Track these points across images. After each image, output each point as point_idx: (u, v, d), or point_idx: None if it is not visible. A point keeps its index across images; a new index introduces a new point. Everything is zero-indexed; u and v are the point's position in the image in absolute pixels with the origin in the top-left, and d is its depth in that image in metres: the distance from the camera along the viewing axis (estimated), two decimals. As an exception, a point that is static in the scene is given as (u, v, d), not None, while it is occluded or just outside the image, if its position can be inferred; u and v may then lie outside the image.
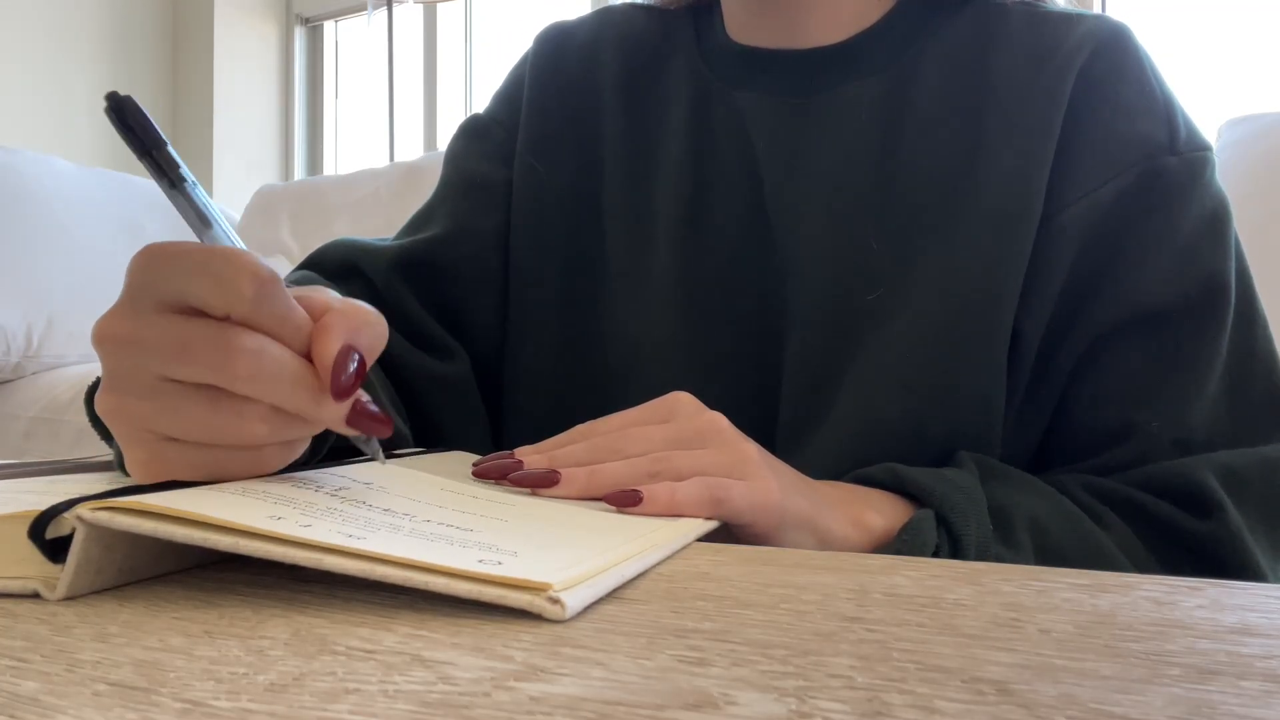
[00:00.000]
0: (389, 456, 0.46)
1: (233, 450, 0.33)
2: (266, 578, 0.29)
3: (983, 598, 0.27)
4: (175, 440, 0.33)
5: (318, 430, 0.35)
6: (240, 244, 0.38)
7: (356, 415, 0.34)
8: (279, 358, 0.32)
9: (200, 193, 0.38)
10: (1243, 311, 0.52)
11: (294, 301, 0.34)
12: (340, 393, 0.33)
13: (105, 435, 0.45)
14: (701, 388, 0.47)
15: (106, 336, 0.33)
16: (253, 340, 0.32)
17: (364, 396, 0.35)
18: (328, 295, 0.36)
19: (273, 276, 0.33)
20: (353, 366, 0.33)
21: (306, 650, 0.22)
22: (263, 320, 0.32)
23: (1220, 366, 0.52)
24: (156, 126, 0.37)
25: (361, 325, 0.35)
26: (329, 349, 0.33)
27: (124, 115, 0.37)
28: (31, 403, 1.93)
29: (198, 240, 0.38)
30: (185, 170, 0.38)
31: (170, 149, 0.37)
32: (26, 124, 2.77)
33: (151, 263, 0.33)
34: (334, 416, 0.34)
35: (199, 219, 0.39)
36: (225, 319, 0.32)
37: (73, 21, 2.91)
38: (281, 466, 0.35)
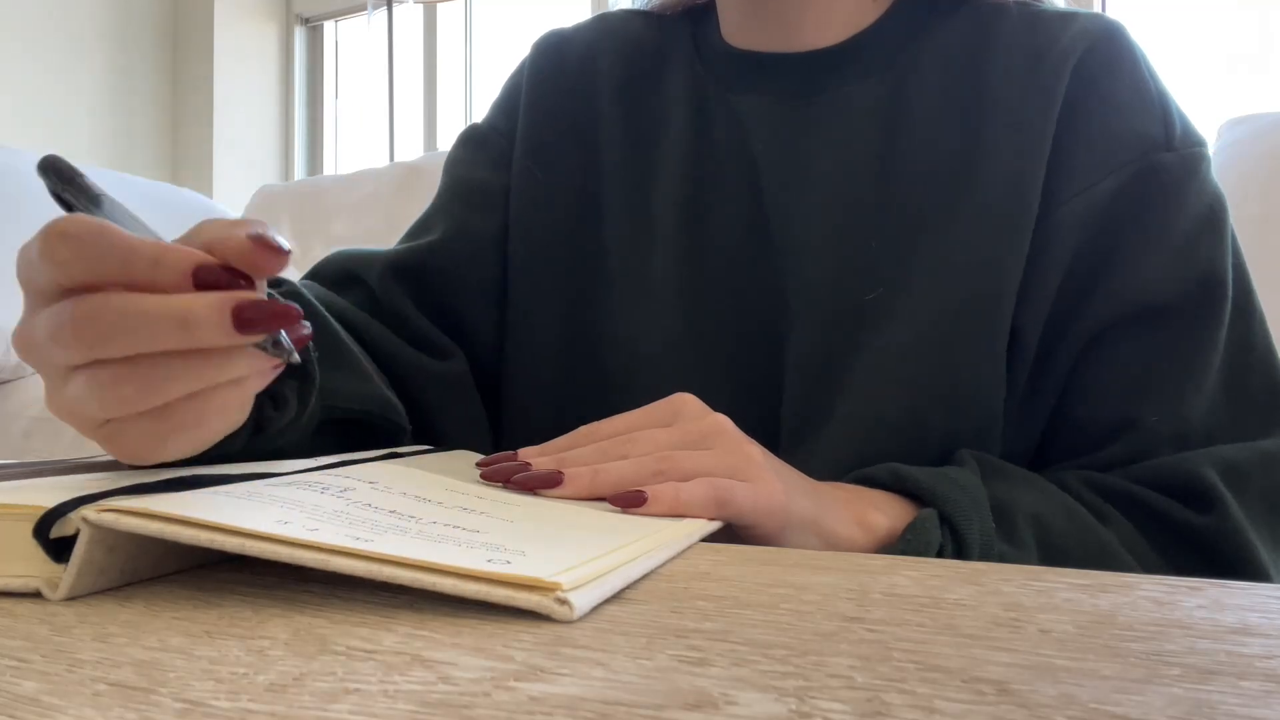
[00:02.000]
0: (395, 456, 0.46)
1: (170, 411, 0.32)
2: (267, 578, 0.29)
3: (983, 598, 0.27)
4: (111, 420, 0.33)
5: (233, 368, 0.32)
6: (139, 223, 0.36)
7: (244, 322, 0.31)
8: (121, 307, 0.30)
9: (105, 198, 0.37)
10: (1240, 306, 0.53)
11: (133, 240, 0.31)
12: (280, 252, 0.32)
13: None
14: (703, 389, 0.47)
15: (16, 342, 0.33)
16: (86, 304, 0.31)
17: (248, 297, 0.32)
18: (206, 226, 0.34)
19: (87, 225, 0.31)
20: (270, 243, 0.32)
21: (306, 650, 0.22)
22: (105, 272, 0.31)
23: (1218, 361, 0.52)
24: (72, 169, 0.36)
25: (244, 222, 0.33)
26: (238, 238, 0.31)
27: (54, 179, 0.35)
28: (31, 403, 1.93)
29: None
30: (96, 189, 0.36)
31: (83, 179, 0.36)
32: (26, 124, 2.77)
33: (19, 262, 0.33)
34: (215, 333, 0.31)
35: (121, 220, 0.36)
36: (83, 288, 0.31)
37: (73, 21, 2.91)
38: (241, 410, 0.34)
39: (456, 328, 0.63)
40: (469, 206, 0.66)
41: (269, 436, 0.43)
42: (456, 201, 0.66)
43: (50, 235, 0.32)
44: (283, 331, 0.33)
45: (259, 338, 0.32)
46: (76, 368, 0.32)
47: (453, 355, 0.62)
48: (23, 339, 0.33)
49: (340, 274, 0.62)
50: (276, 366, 0.34)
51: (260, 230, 0.32)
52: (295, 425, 0.44)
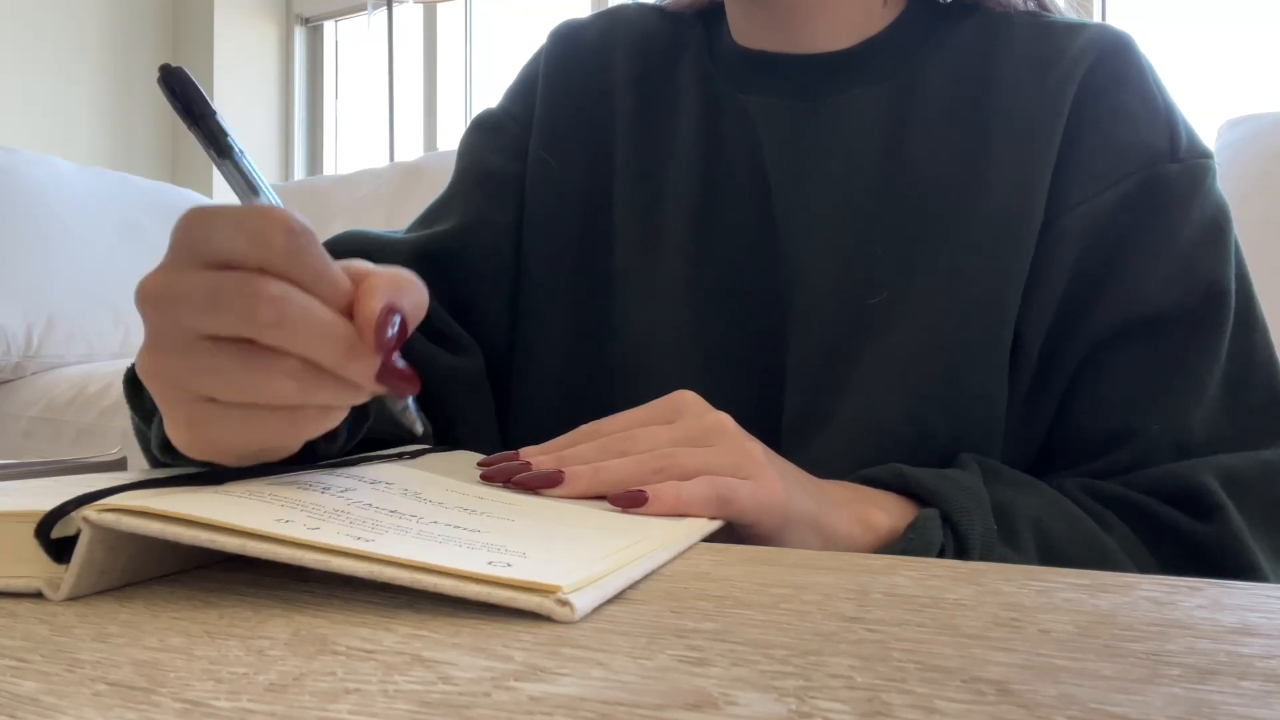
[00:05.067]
0: (396, 456, 0.46)
1: (268, 411, 0.33)
2: (267, 578, 0.29)
3: (983, 598, 0.27)
4: (212, 400, 0.33)
5: (352, 398, 0.34)
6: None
7: (385, 371, 0.33)
8: (306, 305, 0.32)
9: (247, 161, 0.38)
10: (1242, 317, 0.53)
11: (330, 260, 0.33)
12: (382, 348, 0.32)
13: (140, 412, 0.45)
14: (707, 388, 0.47)
15: (146, 294, 0.32)
16: (278, 287, 0.31)
17: (395, 355, 0.34)
18: (367, 264, 0.35)
19: (306, 229, 0.32)
20: (394, 325, 0.33)
21: (306, 650, 0.22)
22: (295, 272, 0.32)
23: (1219, 371, 0.52)
24: (206, 96, 0.37)
25: (405, 288, 0.34)
26: (371, 307, 0.33)
27: (173, 85, 0.37)
28: (31, 403, 1.93)
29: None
30: (233, 139, 0.38)
31: (219, 118, 0.37)
32: (26, 124, 2.77)
33: (191, 222, 0.32)
34: (363, 372, 0.33)
35: (247, 186, 0.38)
36: (259, 273, 0.32)
37: (73, 22, 2.91)
38: (317, 433, 0.35)
39: (471, 319, 0.63)
40: (486, 195, 0.65)
41: (312, 461, 0.43)
42: (473, 189, 0.66)
43: (279, 224, 0.32)
44: (412, 400, 0.35)
45: (384, 390, 0.34)
46: (214, 338, 0.32)
47: (468, 349, 0.62)
48: (154, 290, 0.32)
49: (357, 257, 0.62)
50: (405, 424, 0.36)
51: (389, 320, 0.33)
52: (340, 452, 0.45)
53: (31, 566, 0.27)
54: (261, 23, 3.27)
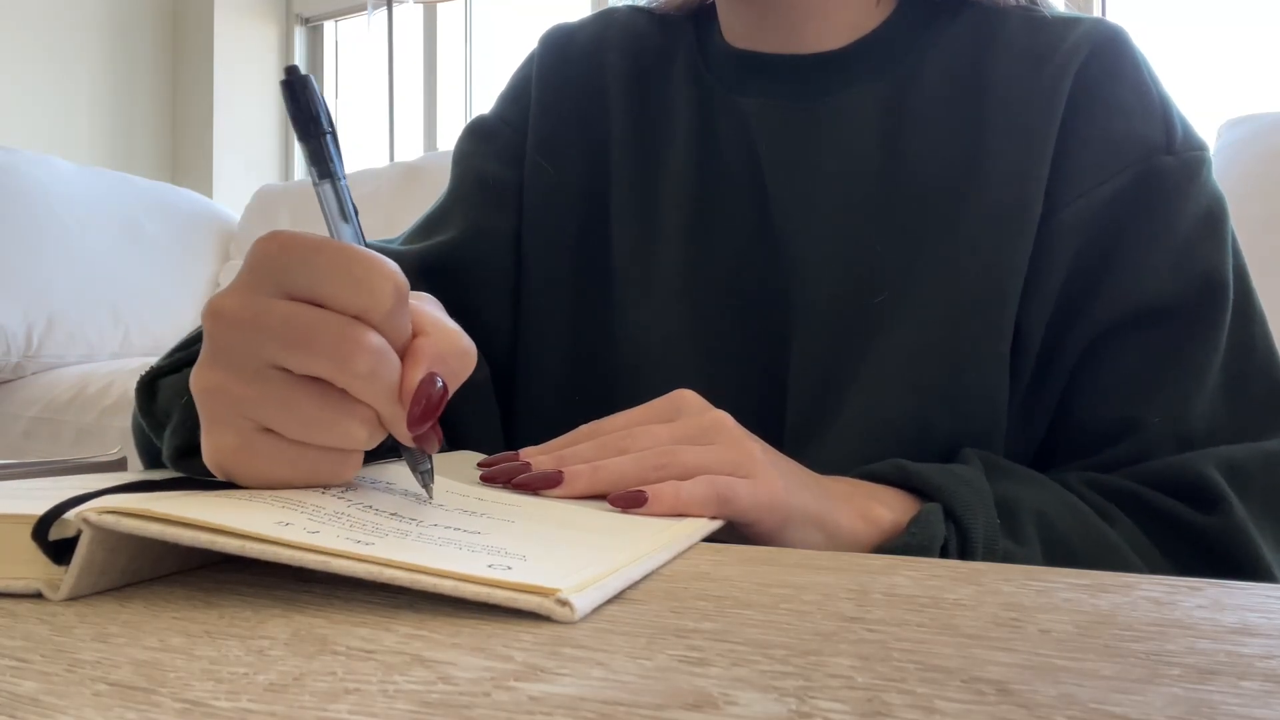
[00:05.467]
0: (398, 458, 0.46)
1: (324, 452, 0.33)
2: (267, 578, 0.29)
3: (983, 598, 0.27)
4: (269, 432, 0.33)
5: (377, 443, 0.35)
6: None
7: (420, 429, 0.34)
8: (395, 364, 0.32)
9: (346, 189, 0.37)
10: (1240, 308, 0.53)
11: (409, 316, 0.34)
12: (413, 421, 0.33)
13: (150, 420, 0.44)
14: (709, 388, 0.47)
15: (223, 313, 0.32)
16: (378, 339, 0.32)
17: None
18: (426, 315, 0.35)
19: (406, 288, 0.33)
20: (434, 394, 0.33)
21: (306, 650, 0.22)
22: (387, 330, 0.32)
23: (1219, 362, 0.52)
24: (326, 114, 0.36)
25: (449, 353, 0.34)
26: (413, 375, 0.33)
27: (296, 92, 0.35)
28: (31, 403, 1.93)
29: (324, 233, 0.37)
30: (339, 167, 0.37)
31: (332, 138, 0.36)
32: (26, 124, 2.77)
33: (283, 250, 0.32)
34: (408, 429, 0.33)
35: (339, 214, 0.37)
36: (355, 317, 0.32)
37: (73, 21, 2.91)
38: (350, 476, 0.35)
39: (475, 327, 0.63)
40: (486, 202, 0.65)
41: None
42: (472, 197, 0.66)
43: (389, 282, 0.32)
44: (431, 457, 0.36)
45: (410, 444, 0.35)
46: (286, 372, 0.32)
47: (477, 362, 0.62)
48: (232, 311, 0.32)
49: None
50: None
51: (429, 394, 0.33)
52: None
53: (31, 568, 0.27)
54: (261, 23, 3.27)
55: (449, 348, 0.34)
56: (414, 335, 0.34)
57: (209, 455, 0.34)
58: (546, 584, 0.24)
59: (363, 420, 0.32)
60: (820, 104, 0.59)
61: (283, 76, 0.36)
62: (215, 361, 0.33)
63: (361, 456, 0.35)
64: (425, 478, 0.36)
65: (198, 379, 0.33)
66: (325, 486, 0.34)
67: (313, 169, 0.37)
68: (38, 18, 2.83)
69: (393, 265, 0.33)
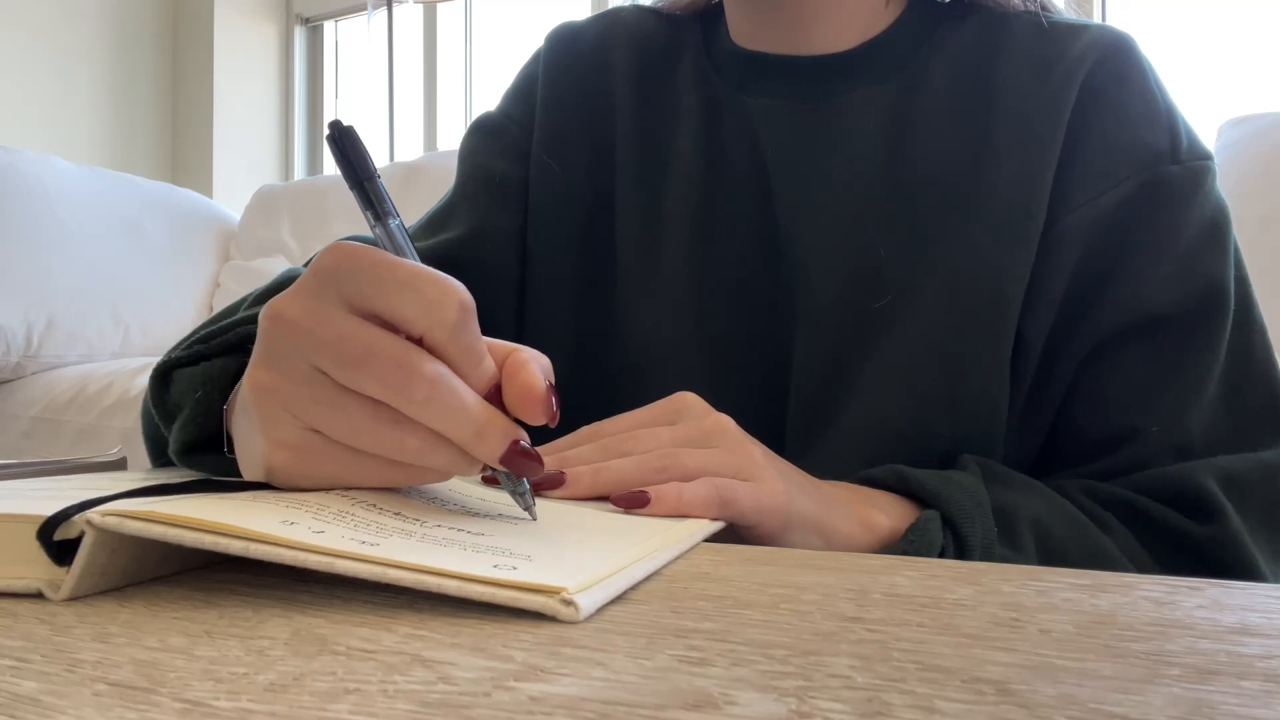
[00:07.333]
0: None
1: (376, 459, 0.33)
2: (267, 578, 0.29)
3: (983, 598, 0.27)
4: (320, 434, 0.32)
5: (464, 470, 0.34)
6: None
7: (512, 453, 0.33)
8: (456, 389, 0.32)
9: (401, 228, 0.37)
10: (1240, 319, 0.53)
11: (481, 335, 0.33)
12: (553, 417, 0.33)
13: (160, 410, 0.44)
14: (712, 390, 0.47)
15: (283, 317, 0.32)
16: (436, 367, 0.31)
17: (524, 437, 0.34)
18: (510, 344, 0.35)
19: (473, 307, 0.32)
20: (555, 400, 0.33)
21: (306, 650, 0.22)
22: (454, 352, 0.32)
23: (1219, 372, 0.52)
24: (370, 159, 0.37)
25: (548, 366, 0.34)
26: (536, 379, 0.33)
27: (343, 145, 0.36)
28: (31, 403, 1.93)
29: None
30: (391, 205, 0.37)
31: (379, 182, 0.37)
32: (26, 124, 2.77)
33: (349, 262, 0.32)
34: (490, 453, 0.33)
35: (395, 253, 0.37)
36: (414, 339, 0.32)
37: (73, 21, 2.91)
38: (417, 484, 0.35)
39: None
40: (492, 200, 0.65)
41: None
42: (478, 194, 0.66)
43: (456, 298, 0.32)
44: (526, 481, 0.35)
45: (503, 469, 0.33)
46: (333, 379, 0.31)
47: None
48: (293, 317, 0.32)
49: None
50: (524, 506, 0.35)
51: (544, 393, 0.33)
52: None
53: (32, 568, 0.27)
54: (261, 23, 3.27)
55: (545, 360, 0.34)
56: (507, 354, 0.34)
57: (270, 451, 0.33)
58: (552, 583, 0.24)
59: (416, 435, 0.32)
60: (826, 106, 0.59)
61: (327, 132, 0.37)
62: (269, 362, 0.33)
63: (419, 474, 0.34)
64: (524, 497, 0.35)
65: (254, 379, 0.33)
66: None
67: (368, 213, 0.37)
68: (38, 18, 2.83)
69: (457, 283, 0.32)
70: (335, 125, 0.36)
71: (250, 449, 0.35)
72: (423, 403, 0.31)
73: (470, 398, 0.32)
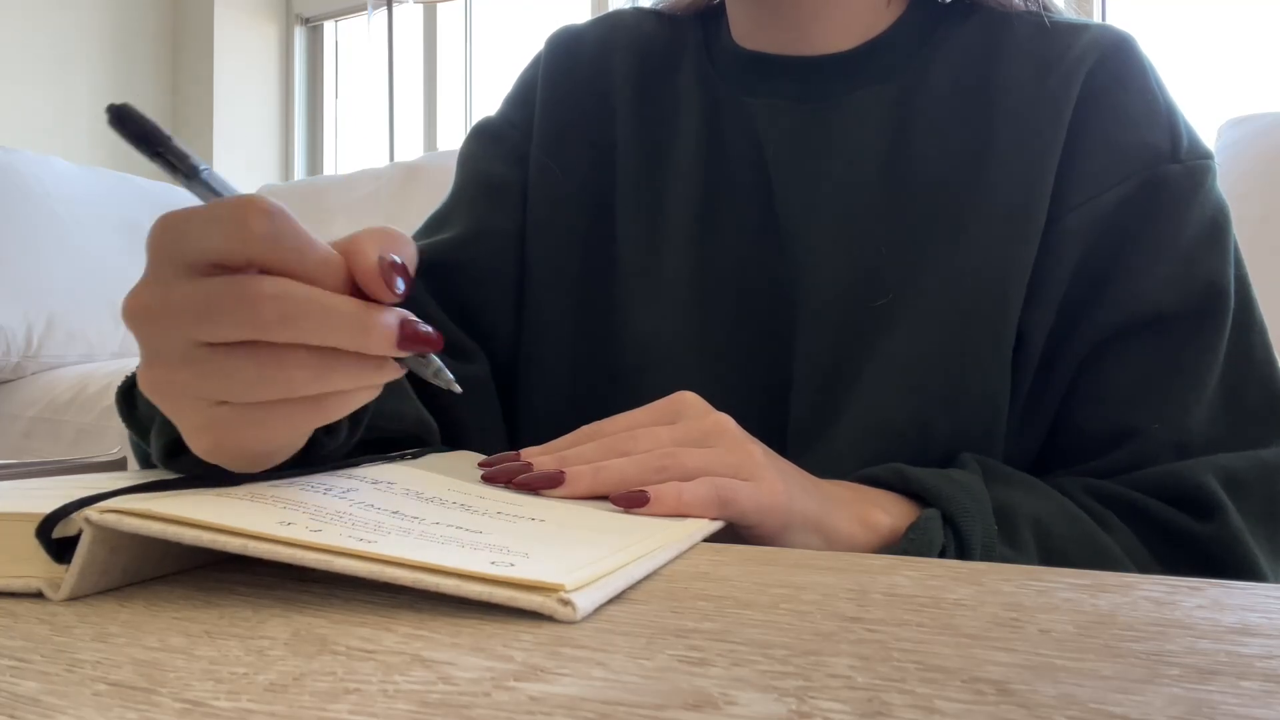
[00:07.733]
0: (399, 457, 0.46)
1: (288, 404, 0.32)
2: (267, 578, 0.29)
3: (983, 598, 0.27)
4: (225, 404, 0.32)
5: (377, 375, 0.33)
6: None
7: (406, 334, 0.32)
8: (307, 295, 0.31)
9: (215, 176, 0.37)
10: (1240, 318, 0.53)
11: (312, 236, 0.32)
12: (394, 292, 0.32)
13: (135, 426, 0.44)
14: (713, 389, 0.47)
15: (135, 311, 0.32)
16: (274, 284, 0.30)
17: (410, 316, 0.33)
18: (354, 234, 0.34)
19: (280, 209, 0.31)
20: (397, 272, 0.32)
21: (306, 650, 0.22)
22: (283, 257, 0.31)
23: (1219, 371, 0.52)
24: (157, 125, 0.36)
25: (394, 240, 0.33)
26: (369, 258, 0.32)
27: (125, 123, 0.36)
28: (31, 403, 1.93)
29: None
30: (195, 159, 0.37)
31: (175, 142, 0.36)
32: (26, 124, 2.77)
33: (166, 229, 0.32)
34: (383, 344, 0.32)
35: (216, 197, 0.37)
36: (246, 268, 0.31)
37: (73, 21, 2.91)
38: (345, 413, 0.34)
39: (476, 326, 0.63)
40: (489, 202, 0.65)
41: (314, 460, 0.42)
42: (475, 197, 0.66)
43: (252, 209, 0.30)
44: (435, 356, 0.34)
45: (407, 354, 0.33)
46: (212, 345, 0.31)
47: (475, 357, 0.62)
48: (142, 307, 0.31)
49: None
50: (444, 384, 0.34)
51: (392, 262, 0.32)
52: (340, 449, 0.44)
53: (32, 567, 0.27)
54: (261, 23, 3.27)
55: (389, 234, 0.33)
56: (347, 243, 0.33)
57: (192, 443, 0.34)
58: (550, 580, 0.24)
59: (298, 363, 0.31)
60: (827, 106, 0.59)
61: (108, 118, 0.35)
62: (149, 358, 0.33)
63: (344, 397, 0.33)
64: (441, 375, 0.34)
65: (143, 381, 0.33)
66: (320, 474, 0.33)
67: (176, 176, 0.36)
68: (37, 18, 2.83)
69: (255, 195, 0.31)
70: (111, 109, 0.35)
71: (188, 443, 0.34)
72: (279, 321, 0.30)
73: (330, 299, 0.31)
